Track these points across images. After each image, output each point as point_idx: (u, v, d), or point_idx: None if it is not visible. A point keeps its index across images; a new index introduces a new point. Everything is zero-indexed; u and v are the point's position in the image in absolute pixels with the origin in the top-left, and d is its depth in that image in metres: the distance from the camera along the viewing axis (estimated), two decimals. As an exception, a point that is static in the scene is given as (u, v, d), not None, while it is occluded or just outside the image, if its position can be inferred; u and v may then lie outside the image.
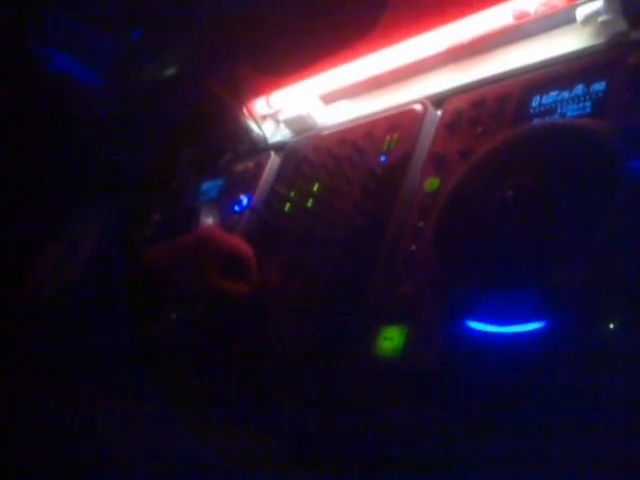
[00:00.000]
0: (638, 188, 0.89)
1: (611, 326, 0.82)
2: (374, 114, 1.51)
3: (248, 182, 1.65)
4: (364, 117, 1.54)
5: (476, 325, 0.94)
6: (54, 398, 1.39)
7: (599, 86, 1.07)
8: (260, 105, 1.77)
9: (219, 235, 1.39)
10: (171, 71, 1.74)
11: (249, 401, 1.23)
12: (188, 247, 1.38)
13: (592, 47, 1.20)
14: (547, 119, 1.10)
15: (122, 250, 1.46)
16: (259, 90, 1.74)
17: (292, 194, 1.47)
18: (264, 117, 1.80)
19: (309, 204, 1.41)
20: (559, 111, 1.10)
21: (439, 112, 1.32)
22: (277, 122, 1.79)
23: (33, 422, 1.31)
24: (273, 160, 1.65)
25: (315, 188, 1.43)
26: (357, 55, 1.53)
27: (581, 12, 1.20)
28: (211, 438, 1.24)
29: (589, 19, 1.19)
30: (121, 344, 1.37)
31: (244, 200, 1.61)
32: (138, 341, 1.44)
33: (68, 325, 1.34)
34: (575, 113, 1.07)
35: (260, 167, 1.66)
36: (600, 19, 1.16)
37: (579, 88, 1.09)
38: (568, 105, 1.09)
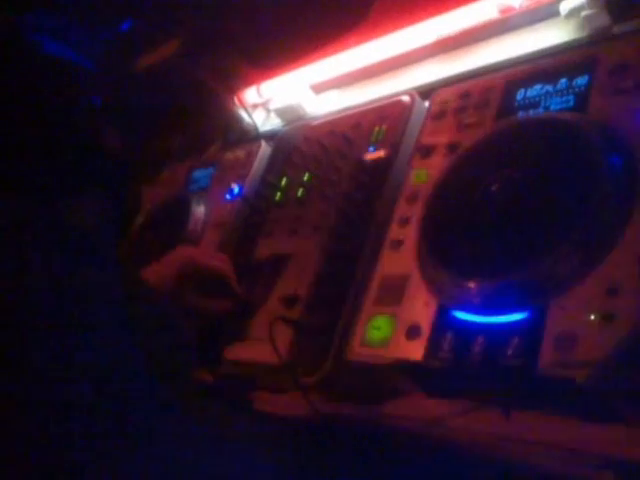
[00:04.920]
0: (617, 181, 0.91)
1: (592, 317, 0.84)
2: (363, 104, 1.53)
3: (239, 171, 1.67)
4: (353, 107, 1.56)
5: (462, 315, 0.97)
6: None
7: (582, 80, 1.09)
8: (251, 94, 1.78)
9: (198, 257, 1.40)
10: (163, 60, 1.75)
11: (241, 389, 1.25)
12: (170, 269, 1.38)
13: (575, 41, 1.22)
14: (531, 112, 1.12)
15: (113, 239, 1.47)
16: (250, 79, 1.76)
17: (282, 183, 1.49)
18: (255, 106, 1.81)
19: (299, 193, 1.44)
20: (543, 104, 1.12)
21: (426, 103, 1.34)
22: (268, 111, 1.81)
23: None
24: (264, 149, 1.67)
25: (305, 177, 1.45)
26: (347, 46, 1.54)
27: (565, 6, 1.22)
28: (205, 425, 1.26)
29: (573, 13, 1.21)
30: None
31: (235, 189, 1.63)
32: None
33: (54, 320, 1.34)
34: (558, 107, 1.09)
35: (251, 156, 1.67)
36: (583, 13, 1.18)
37: (562, 82, 1.11)
38: (552, 98, 1.11)
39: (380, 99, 1.49)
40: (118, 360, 1.11)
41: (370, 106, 1.47)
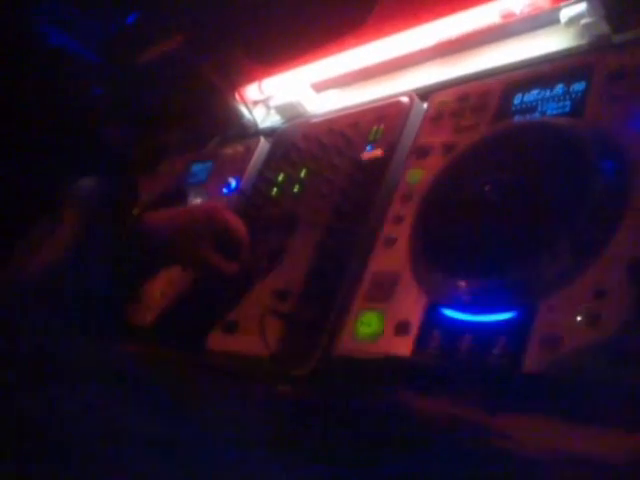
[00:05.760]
0: (610, 186, 0.92)
1: (578, 318, 0.85)
2: (362, 104, 1.54)
3: (237, 166, 1.68)
4: (353, 107, 1.57)
5: (451, 313, 0.98)
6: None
7: (579, 86, 1.10)
8: (252, 91, 1.79)
9: (227, 213, 1.41)
10: (165, 55, 1.76)
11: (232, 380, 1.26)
12: (194, 216, 1.40)
13: (574, 48, 1.22)
14: (527, 117, 1.13)
15: (107, 232, 1.48)
16: (251, 76, 1.77)
17: (279, 179, 1.51)
18: (255, 103, 1.82)
19: (296, 189, 1.45)
20: (540, 109, 1.13)
21: (425, 105, 1.36)
22: (268, 108, 1.82)
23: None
24: (262, 145, 1.68)
25: (302, 174, 1.46)
26: (348, 46, 1.55)
27: (565, 14, 1.23)
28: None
29: (572, 21, 1.22)
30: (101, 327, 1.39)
31: (232, 183, 1.64)
32: (123, 319, 1.47)
33: (48, 307, 1.35)
34: (555, 112, 1.11)
35: (249, 151, 1.68)
36: (583, 21, 1.19)
37: (559, 87, 1.12)
38: (548, 104, 1.12)
39: (380, 100, 1.50)
40: None
41: (369, 106, 1.48)
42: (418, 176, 1.21)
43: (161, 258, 1.44)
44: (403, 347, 1.01)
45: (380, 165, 1.31)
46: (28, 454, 0.93)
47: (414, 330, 1.01)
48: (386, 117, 1.39)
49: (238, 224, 1.41)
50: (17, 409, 0.99)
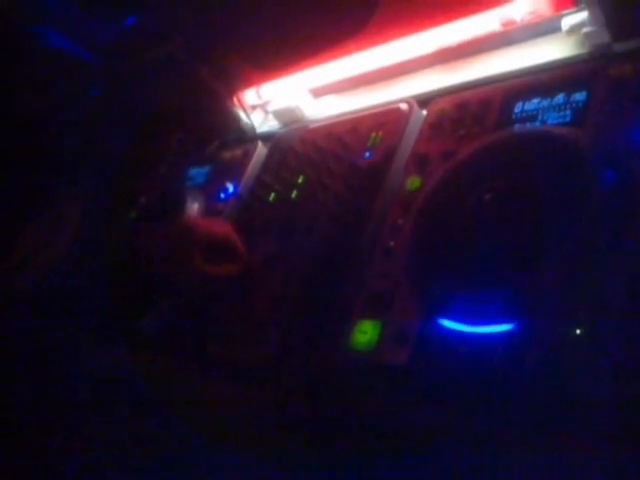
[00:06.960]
0: (611, 196, 0.92)
1: (577, 332, 0.84)
2: (361, 110, 1.53)
3: (235, 170, 1.67)
4: (351, 113, 1.56)
5: (449, 323, 0.97)
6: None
7: (580, 96, 1.09)
8: (250, 95, 1.79)
9: (201, 224, 1.41)
10: (164, 58, 1.76)
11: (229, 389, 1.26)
12: (172, 237, 1.39)
13: (575, 57, 1.22)
14: (527, 126, 1.13)
15: (104, 234, 1.48)
16: (250, 80, 1.76)
17: (277, 184, 1.50)
18: (253, 107, 1.82)
19: (293, 195, 1.44)
20: (540, 118, 1.12)
21: (424, 112, 1.35)
22: (266, 113, 1.81)
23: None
24: (260, 150, 1.67)
25: (300, 180, 1.45)
26: (348, 52, 1.55)
27: (566, 22, 1.23)
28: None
29: (574, 29, 1.22)
30: (101, 327, 1.39)
31: (230, 188, 1.63)
32: (126, 329, 1.47)
33: (48, 308, 1.35)
34: (555, 121, 1.10)
35: (247, 156, 1.68)
36: (584, 30, 1.18)
37: (560, 97, 1.12)
38: (549, 113, 1.12)
39: (379, 106, 1.49)
40: None
41: (368, 112, 1.47)
42: (417, 184, 1.20)
43: (156, 286, 1.44)
44: (399, 356, 1.00)
45: (378, 172, 1.31)
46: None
47: (411, 339, 1.00)
48: (385, 123, 1.38)
49: (218, 229, 1.41)
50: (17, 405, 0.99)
